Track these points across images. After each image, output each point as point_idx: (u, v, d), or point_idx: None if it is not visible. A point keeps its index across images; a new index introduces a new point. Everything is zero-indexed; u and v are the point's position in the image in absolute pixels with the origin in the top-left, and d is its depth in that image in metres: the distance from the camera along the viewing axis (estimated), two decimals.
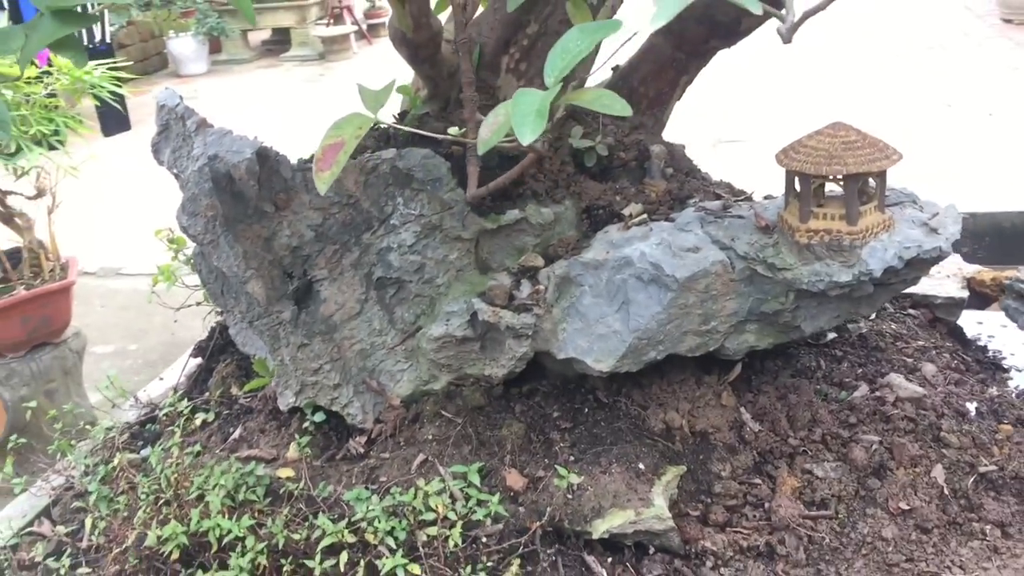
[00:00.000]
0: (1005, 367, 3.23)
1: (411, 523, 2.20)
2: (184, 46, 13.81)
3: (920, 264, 2.43)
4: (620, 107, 1.63)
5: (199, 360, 3.22)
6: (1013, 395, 3.01)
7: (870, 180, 2.42)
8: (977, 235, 3.81)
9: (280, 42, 15.35)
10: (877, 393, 2.71)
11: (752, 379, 2.75)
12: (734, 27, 2.77)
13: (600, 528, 2.33)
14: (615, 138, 2.83)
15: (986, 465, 2.55)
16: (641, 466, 2.47)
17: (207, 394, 3.00)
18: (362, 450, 2.63)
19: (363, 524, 2.22)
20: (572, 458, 2.49)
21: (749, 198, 2.82)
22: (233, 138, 2.58)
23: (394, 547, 2.14)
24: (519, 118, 1.47)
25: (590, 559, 2.33)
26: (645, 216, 2.65)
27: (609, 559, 2.37)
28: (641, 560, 2.37)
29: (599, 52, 2.85)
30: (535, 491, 2.41)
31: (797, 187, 2.43)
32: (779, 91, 7.76)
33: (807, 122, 2.69)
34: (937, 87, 7.34)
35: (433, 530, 2.19)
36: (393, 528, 2.19)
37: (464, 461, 2.48)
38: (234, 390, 2.97)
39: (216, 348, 3.19)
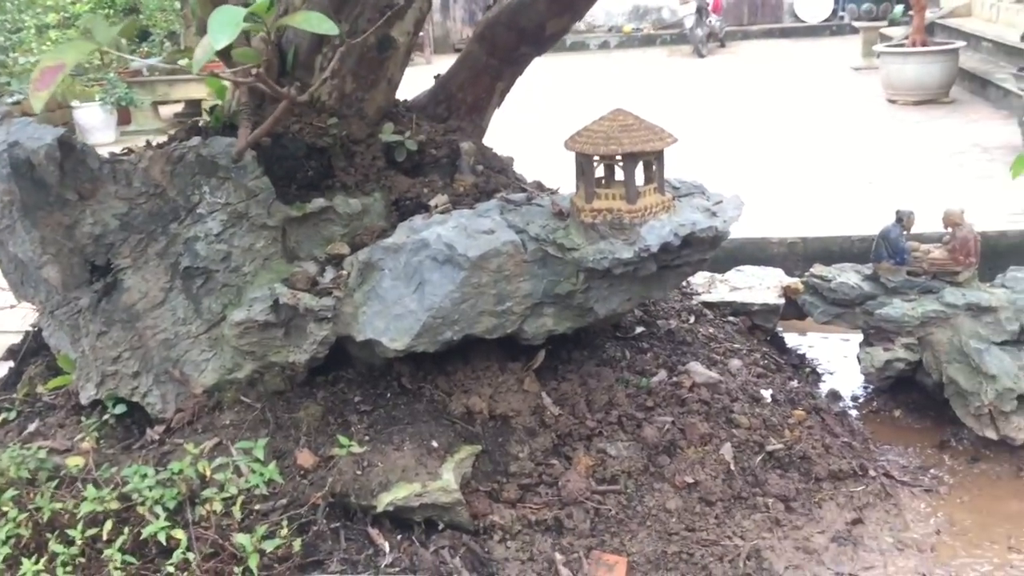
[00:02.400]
0: (819, 372, 3.35)
1: (182, 493, 2.16)
2: (92, 115, 13.70)
3: (699, 244, 2.54)
4: (327, 27, 1.71)
5: (10, 363, 3.15)
6: (822, 394, 3.12)
7: (652, 164, 2.54)
8: (807, 258, 3.96)
9: (193, 114, 15.40)
10: (675, 379, 2.78)
11: (558, 367, 2.80)
12: (539, 33, 2.91)
13: (384, 501, 2.32)
14: (428, 136, 2.92)
15: (774, 445, 2.62)
16: (435, 444, 2.48)
17: (13, 395, 2.93)
18: (158, 438, 2.58)
19: (134, 495, 2.17)
20: (367, 437, 2.48)
21: (555, 192, 2.92)
22: (36, 127, 2.59)
23: (161, 514, 2.09)
24: (216, 27, 1.53)
25: (373, 532, 2.31)
26: (449, 206, 2.72)
27: (398, 536, 2.35)
28: (430, 536, 2.36)
29: None
30: (325, 469, 2.40)
31: (583, 170, 2.53)
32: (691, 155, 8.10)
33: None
34: (825, 160, 7.88)
35: (207, 499, 2.15)
36: (163, 496, 2.15)
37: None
38: (40, 389, 2.90)
39: (29, 351, 3.13)
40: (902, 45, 10.24)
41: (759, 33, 15.79)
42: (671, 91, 11.94)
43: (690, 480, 2.47)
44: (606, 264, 2.46)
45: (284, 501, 2.30)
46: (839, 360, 3.35)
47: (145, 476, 2.26)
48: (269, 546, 2.02)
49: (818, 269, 3.07)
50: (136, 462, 2.49)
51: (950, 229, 2.83)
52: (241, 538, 2.01)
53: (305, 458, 2.42)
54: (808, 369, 3.28)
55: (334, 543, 2.27)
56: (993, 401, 2.62)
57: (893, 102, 10.21)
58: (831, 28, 15.41)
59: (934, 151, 8.07)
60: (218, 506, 2.12)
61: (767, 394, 2.85)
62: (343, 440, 2.29)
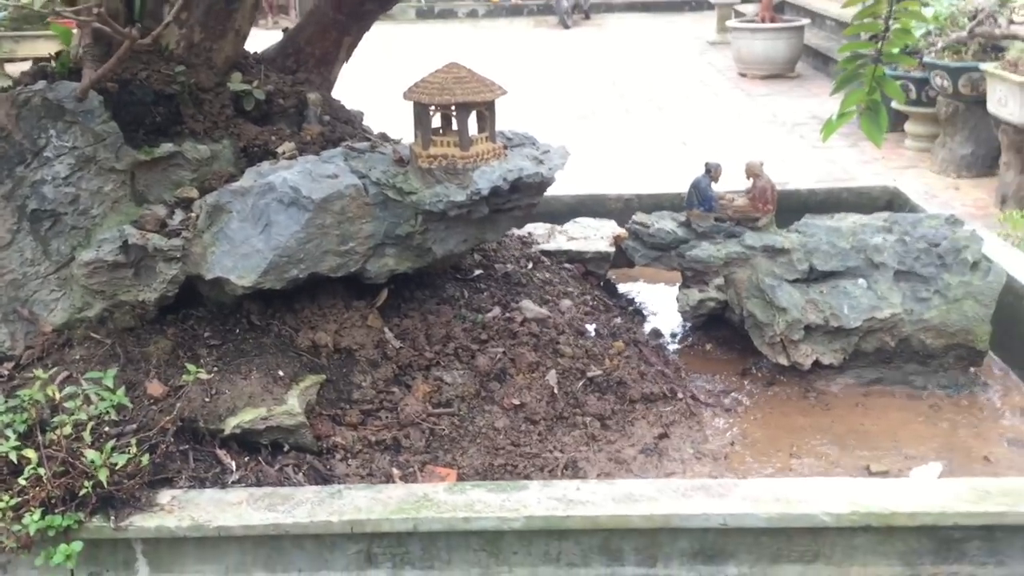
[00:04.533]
0: (643, 312, 3.68)
1: (32, 417, 2.27)
2: None
3: (527, 189, 2.79)
4: None
5: None
6: (644, 331, 3.43)
7: (485, 114, 2.76)
8: (644, 209, 4.24)
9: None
10: (508, 315, 3.03)
11: (401, 306, 3.00)
12: None
13: (231, 424, 2.49)
14: (276, 87, 3.05)
15: (595, 372, 2.91)
16: (281, 373, 2.65)
17: None
18: (7, 373, 2.66)
19: None
20: (216, 368, 2.63)
21: (398, 142, 3.11)
22: None
23: (11, 436, 2.20)
24: None
25: (221, 452, 2.47)
26: (296, 153, 2.88)
27: (245, 457, 2.52)
28: (276, 457, 2.54)
29: None
30: (175, 397, 2.54)
31: (421, 119, 2.74)
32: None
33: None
34: (677, 128, 8.41)
35: (57, 424, 2.26)
36: (14, 420, 2.25)
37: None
38: None
39: None
40: (753, 21, 10.83)
41: (623, 6, 16.30)
42: (535, 60, 12.25)
43: (517, 402, 2.73)
44: (441, 207, 2.68)
45: (134, 426, 2.43)
46: (663, 303, 3.68)
47: None
48: (119, 461, 2.16)
49: (639, 217, 3.37)
50: None
51: (751, 180, 3.17)
52: (91, 454, 2.15)
53: (155, 388, 2.56)
54: (633, 310, 3.60)
55: (183, 463, 2.43)
56: (784, 331, 2.98)
57: (743, 75, 10.83)
58: (691, 3, 16.04)
59: (777, 122, 8.67)
60: (68, 430, 2.23)
61: (591, 329, 3.14)
62: (191, 368, 2.43)
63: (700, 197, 3.18)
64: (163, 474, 2.34)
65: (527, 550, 2.20)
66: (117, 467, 2.17)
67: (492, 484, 2.30)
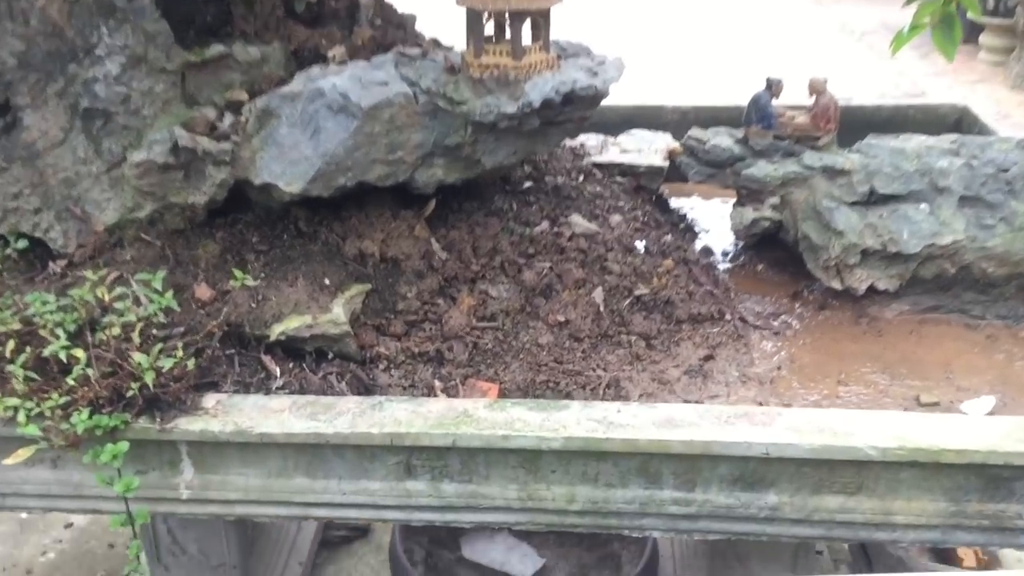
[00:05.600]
0: (695, 230, 3.60)
1: (82, 317, 2.31)
2: None
3: (580, 102, 2.71)
4: None
5: None
6: (695, 249, 3.37)
7: (539, 23, 2.66)
8: (699, 125, 4.13)
9: None
10: (557, 229, 2.99)
11: (448, 217, 2.97)
12: None
13: (277, 330, 2.51)
14: None
15: (642, 290, 2.87)
16: (327, 282, 2.66)
17: None
18: (60, 271, 2.71)
19: (35, 319, 2.31)
20: (263, 275, 2.65)
21: (450, 49, 3.03)
22: None
23: (61, 336, 2.24)
24: None
25: (266, 358, 2.50)
26: (346, 58, 2.82)
27: (289, 363, 2.55)
28: (319, 364, 2.57)
29: None
30: (221, 302, 2.56)
31: (473, 26, 2.65)
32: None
33: None
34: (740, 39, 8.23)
35: (106, 324, 2.30)
36: (64, 320, 2.30)
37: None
38: None
39: None
40: None
41: None
42: None
43: (562, 319, 2.71)
44: (492, 118, 2.61)
45: (181, 329, 2.46)
46: (715, 221, 3.60)
47: (46, 303, 2.40)
48: (166, 364, 2.20)
49: (695, 132, 3.27)
50: (37, 290, 2.62)
51: (813, 97, 3.04)
52: (139, 356, 2.18)
53: (203, 291, 2.58)
54: (684, 227, 3.53)
55: (228, 367, 2.46)
56: (839, 255, 2.89)
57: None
58: None
59: (846, 30, 8.32)
60: (117, 331, 2.27)
61: (641, 246, 3.08)
62: (238, 273, 2.45)
63: (759, 113, 3.06)
64: (208, 378, 2.38)
65: (565, 469, 2.20)
66: (164, 370, 2.21)
67: (532, 403, 2.30)
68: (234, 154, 2.68)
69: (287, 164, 2.67)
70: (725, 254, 3.42)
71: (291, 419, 2.22)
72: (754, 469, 2.16)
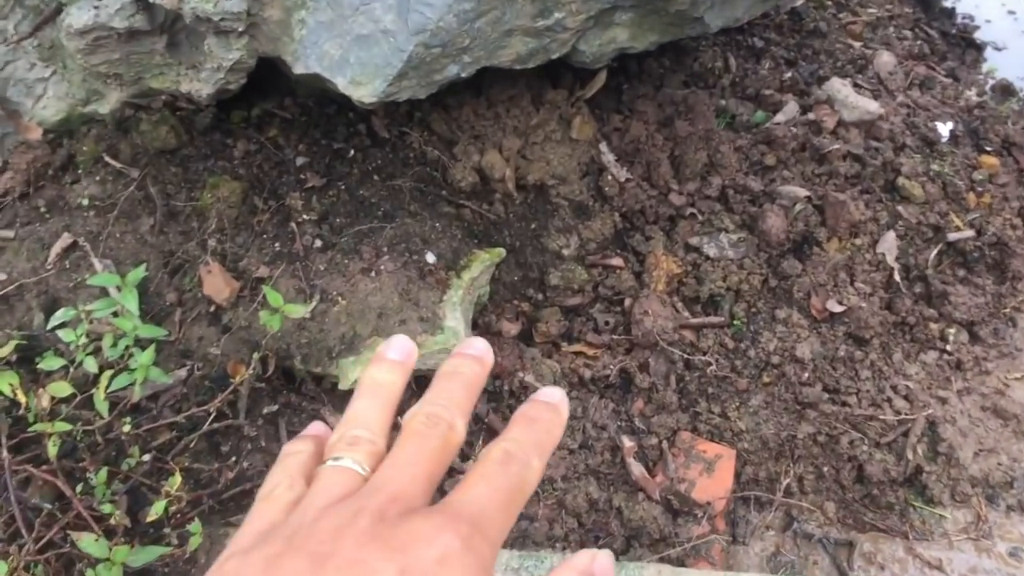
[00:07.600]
0: (978, 43, 2.26)
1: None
2: None
3: None
4: None
5: None
6: (989, 93, 2.08)
7: None
8: None
9: None
10: (810, 115, 1.73)
11: (623, 91, 1.73)
12: None
13: (350, 375, 1.42)
14: None
15: (958, 229, 1.68)
16: (430, 257, 1.52)
17: None
18: None
19: None
20: (318, 243, 1.51)
21: None
22: None
23: None
24: None
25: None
26: None
27: None
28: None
29: None
30: (247, 305, 1.46)
31: None
32: None
33: None
34: None
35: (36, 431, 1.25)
36: None
37: (133, 251, 1.49)
38: None
39: None
40: None
41: None
42: None
43: (836, 306, 1.58)
44: None
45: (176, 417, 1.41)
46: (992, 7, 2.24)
47: None
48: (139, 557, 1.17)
49: None
50: None
51: None
52: (86, 541, 1.15)
53: (216, 285, 1.48)
54: (965, 43, 2.19)
55: (268, 435, 1.44)
56: None
57: None
58: None
59: None
60: (53, 451, 1.23)
61: (944, 130, 1.82)
62: (272, 297, 1.31)
63: None
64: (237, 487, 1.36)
65: None
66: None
67: None
68: (253, 15, 1.44)
69: (351, 44, 1.42)
70: None
71: None
72: None
